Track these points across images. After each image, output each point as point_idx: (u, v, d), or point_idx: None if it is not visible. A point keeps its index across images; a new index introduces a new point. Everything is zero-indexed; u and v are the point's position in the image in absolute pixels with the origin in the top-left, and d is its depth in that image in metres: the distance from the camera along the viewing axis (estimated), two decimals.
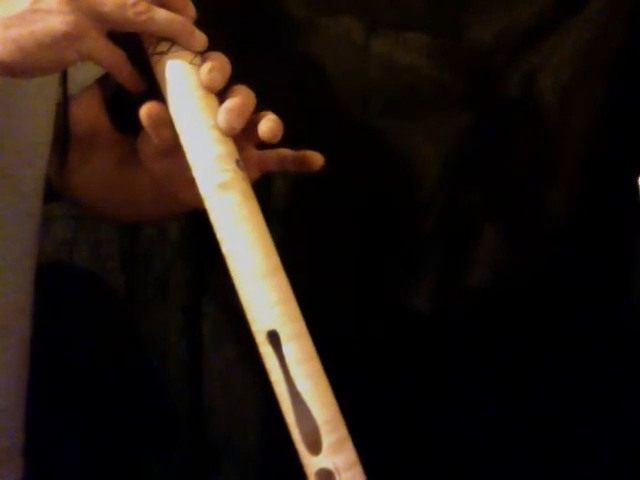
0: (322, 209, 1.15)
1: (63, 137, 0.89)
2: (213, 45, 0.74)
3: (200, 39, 0.73)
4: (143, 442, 1.22)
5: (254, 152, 0.79)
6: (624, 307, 1.15)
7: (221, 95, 0.72)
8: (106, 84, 0.97)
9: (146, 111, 0.72)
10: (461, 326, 1.12)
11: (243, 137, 0.72)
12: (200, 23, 0.74)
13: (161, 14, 0.71)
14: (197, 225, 1.15)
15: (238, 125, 0.70)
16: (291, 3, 1.13)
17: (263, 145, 0.76)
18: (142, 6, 0.70)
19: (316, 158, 0.79)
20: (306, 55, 1.14)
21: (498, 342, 1.13)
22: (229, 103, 0.70)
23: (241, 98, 0.71)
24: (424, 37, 1.12)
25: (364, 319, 1.14)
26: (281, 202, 1.13)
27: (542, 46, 1.12)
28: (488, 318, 1.12)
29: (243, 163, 0.71)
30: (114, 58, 0.73)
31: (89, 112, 0.97)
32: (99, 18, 0.69)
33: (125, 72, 0.74)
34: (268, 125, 0.72)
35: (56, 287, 0.97)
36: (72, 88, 0.94)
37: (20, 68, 0.69)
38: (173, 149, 0.73)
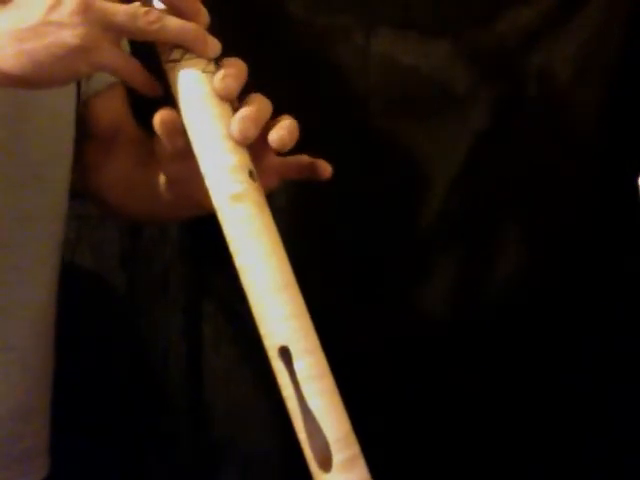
0: (322, 209, 1.15)
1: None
2: None
3: (213, 46, 0.72)
4: (143, 441, 1.22)
5: (275, 159, 0.76)
6: (624, 307, 1.16)
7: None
8: None
9: (159, 118, 0.71)
10: (476, 328, 1.13)
11: (261, 144, 0.71)
12: (213, 29, 0.73)
13: (173, 22, 0.70)
14: (197, 225, 1.15)
15: (252, 134, 0.69)
16: (291, 3, 1.13)
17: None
18: (154, 15, 0.69)
19: (327, 167, 0.78)
20: (306, 55, 1.13)
21: (512, 345, 1.13)
22: (243, 111, 0.69)
23: (256, 106, 0.70)
24: (424, 37, 1.12)
25: (376, 325, 1.14)
26: (281, 203, 1.12)
27: (542, 46, 1.12)
28: (502, 320, 1.13)
29: (263, 171, 0.70)
30: (127, 67, 0.72)
31: (112, 108, 0.96)
32: (111, 28, 0.69)
33: (139, 80, 0.74)
34: (279, 134, 0.70)
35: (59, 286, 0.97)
36: (97, 84, 0.94)
37: (33, 80, 0.69)
38: (188, 153, 0.71)
